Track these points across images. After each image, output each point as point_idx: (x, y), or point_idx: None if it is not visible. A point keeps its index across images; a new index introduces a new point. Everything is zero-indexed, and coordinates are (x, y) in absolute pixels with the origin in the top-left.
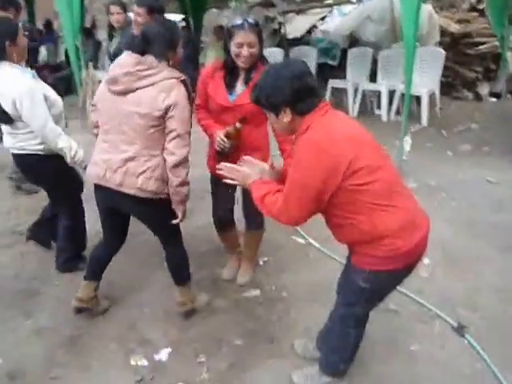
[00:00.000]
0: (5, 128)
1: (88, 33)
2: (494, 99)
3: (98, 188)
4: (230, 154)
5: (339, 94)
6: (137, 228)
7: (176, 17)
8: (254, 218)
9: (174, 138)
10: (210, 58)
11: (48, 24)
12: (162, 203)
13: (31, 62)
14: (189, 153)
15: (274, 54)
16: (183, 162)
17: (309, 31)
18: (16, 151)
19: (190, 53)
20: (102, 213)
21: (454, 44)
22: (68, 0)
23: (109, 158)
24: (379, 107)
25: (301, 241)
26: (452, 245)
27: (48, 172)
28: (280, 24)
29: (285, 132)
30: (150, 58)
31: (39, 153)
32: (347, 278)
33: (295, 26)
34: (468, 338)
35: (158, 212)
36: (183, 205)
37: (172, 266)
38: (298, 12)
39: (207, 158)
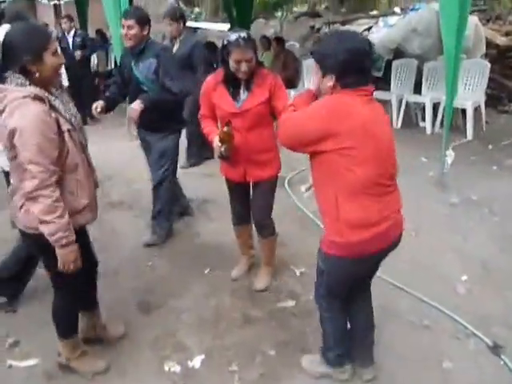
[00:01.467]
0: None
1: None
2: None
3: None
4: (229, 156)
5: (383, 105)
6: (180, 235)
7: (223, 27)
8: (265, 226)
9: (24, 170)
10: None
11: (100, 32)
12: (39, 239)
13: (85, 70)
14: (41, 188)
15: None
16: (33, 197)
17: None
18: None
19: None
20: None
21: (500, 56)
22: (117, 10)
23: (10, 189)
24: (423, 119)
25: None
26: (492, 261)
27: None
28: (325, 34)
29: (324, 94)
30: (9, 80)
31: None
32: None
33: None
34: (504, 358)
35: (46, 249)
36: (60, 248)
37: (52, 313)
38: (344, 23)
39: (220, 165)
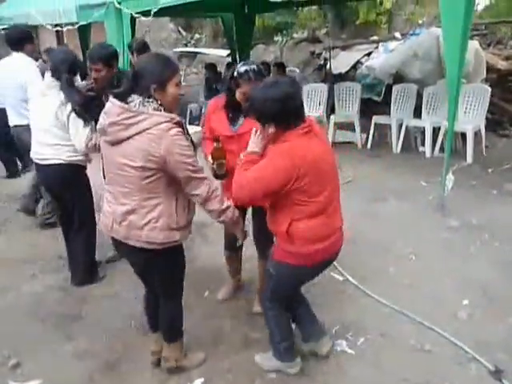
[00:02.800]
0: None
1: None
2: None
3: (112, 239)
4: (224, 173)
5: (383, 129)
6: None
7: (222, 52)
8: (266, 247)
9: (187, 183)
10: None
11: None
12: (169, 252)
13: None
14: (208, 184)
15: (319, 89)
16: (210, 196)
17: (354, 67)
18: (58, 161)
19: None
20: (130, 265)
21: (500, 81)
22: (119, 36)
23: (113, 210)
24: (423, 144)
25: (338, 277)
26: (493, 286)
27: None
28: (325, 60)
29: (266, 140)
30: (134, 104)
31: (79, 163)
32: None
33: (340, 62)
34: (505, 382)
35: (164, 262)
36: (236, 227)
37: (168, 321)
38: (344, 48)
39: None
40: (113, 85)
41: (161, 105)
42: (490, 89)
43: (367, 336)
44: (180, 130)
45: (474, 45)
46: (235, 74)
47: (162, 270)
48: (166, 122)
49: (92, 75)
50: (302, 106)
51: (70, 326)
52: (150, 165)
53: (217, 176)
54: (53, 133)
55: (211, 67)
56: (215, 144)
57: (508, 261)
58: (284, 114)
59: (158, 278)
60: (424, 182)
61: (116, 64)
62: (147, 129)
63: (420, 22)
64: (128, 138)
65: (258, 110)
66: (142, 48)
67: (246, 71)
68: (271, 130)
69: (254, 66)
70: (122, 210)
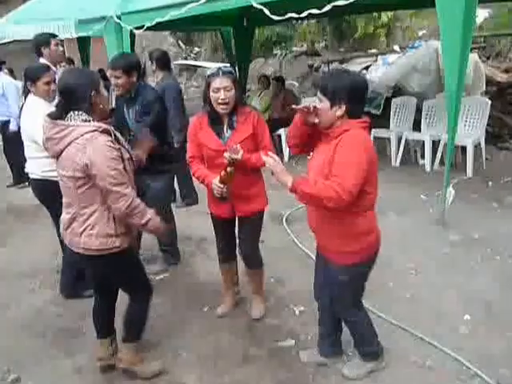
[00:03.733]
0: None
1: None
2: None
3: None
4: (228, 197)
5: (382, 143)
6: (179, 273)
7: (222, 65)
8: (254, 259)
9: (108, 195)
10: (256, 106)
11: (102, 72)
12: (116, 257)
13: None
14: (129, 201)
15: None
16: (130, 212)
17: None
18: (36, 176)
19: None
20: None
21: (500, 93)
22: (119, 50)
23: (63, 217)
24: (423, 157)
25: None
26: (495, 301)
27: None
28: (324, 73)
29: (325, 123)
30: (66, 118)
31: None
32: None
33: None
34: None
35: (110, 267)
36: (158, 232)
37: (130, 319)
38: (342, 61)
39: (207, 202)
40: (130, 94)
41: (98, 112)
42: (489, 101)
43: None
44: (108, 138)
45: (473, 57)
46: (206, 77)
47: (110, 274)
48: (91, 131)
49: (112, 81)
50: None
51: (70, 341)
52: (79, 174)
53: (222, 198)
54: (31, 145)
55: None
56: (229, 169)
57: (510, 275)
58: (362, 98)
59: (114, 282)
60: (424, 196)
61: (136, 75)
62: (75, 139)
63: (419, 34)
64: (62, 150)
65: (339, 84)
66: (163, 57)
67: (216, 69)
68: (339, 112)
69: (224, 66)
70: (67, 218)
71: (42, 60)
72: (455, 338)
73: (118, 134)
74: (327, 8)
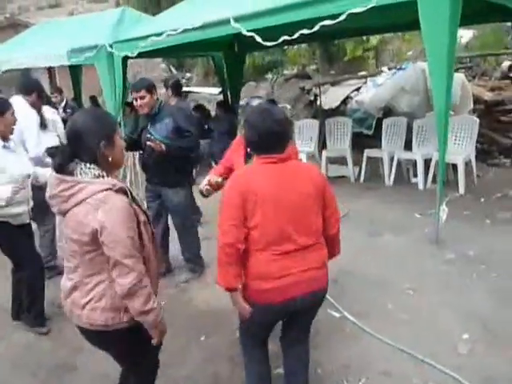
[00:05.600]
0: None
1: (133, 107)
2: None
3: None
4: (207, 196)
5: (375, 162)
6: (175, 301)
7: (214, 90)
8: None
9: (114, 266)
10: None
11: (93, 99)
12: (121, 332)
13: None
14: (137, 277)
15: (310, 125)
16: (134, 291)
17: (344, 102)
18: None
19: (227, 126)
20: None
21: (487, 111)
22: (110, 77)
23: (63, 283)
24: (415, 175)
25: (336, 314)
26: (493, 319)
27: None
28: (315, 95)
29: None
30: (75, 172)
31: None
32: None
33: (330, 98)
34: None
35: (117, 343)
36: (155, 328)
37: None
38: (333, 84)
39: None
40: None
41: (111, 164)
42: (477, 119)
43: (368, 376)
44: (124, 198)
45: (460, 77)
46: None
47: (113, 350)
48: (105, 189)
49: (136, 103)
50: (281, 136)
51: (64, 378)
52: (86, 238)
53: (202, 193)
54: None
55: (199, 108)
56: (220, 179)
57: (506, 292)
58: (255, 137)
59: (114, 358)
60: (418, 214)
61: (156, 93)
62: (85, 199)
63: (407, 55)
64: (69, 209)
65: (245, 129)
66: (176, 85)
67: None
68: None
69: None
70: (68, 286)
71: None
72: (455, 357)
73: (135, 194)
74: (316, 28)
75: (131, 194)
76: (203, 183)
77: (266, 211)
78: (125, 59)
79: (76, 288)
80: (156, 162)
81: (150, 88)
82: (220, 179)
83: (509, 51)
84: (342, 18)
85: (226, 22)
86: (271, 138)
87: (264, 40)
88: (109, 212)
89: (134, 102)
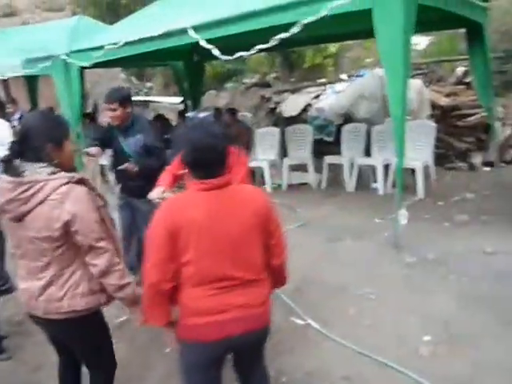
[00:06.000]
0: None
1: (91, 118)
2: (487, 168)
3: (32, 317)
4: None
5: (336, 169)
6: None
7: (175, 100)
8: None
9: (89, 251)
10: None
11: (50, 110)
12: (90, 319)
13: None
14: (110, 257)
15: (270, 133)
16: (110, 269)
17: (304, 109)
18: None
19: None
20: (51, 338)
21: (444, 116)
22: (67, 88)
23: (28, 287)
24: (376, 181)
25: (299, 322)
26: (454, 320)
27: None
28: (276, 103)
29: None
30: (28, 177)
31: None
32: None
33: (291, 105)
34: None
35: (86, 331)
36: (134, 306)
37: None
38: (293, 91)
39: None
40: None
41: (56, 165)
42: (435, 125)
43: (331, 381)
44: (85, 188)
45: (417, 83)
46: None
47: (84, 339)
48: (65, 183)
49: (108, 114)
50: (217, 154)
51: None
52: (57, 233)
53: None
54: None
55: (159, 118)
56: (176, 189)
57: (465, 293)
58: (189, 155)
59: (80, 348)
60: (379, 219)
61: (130, 106)
62: (47, 196)
63: (366, 62)
64: (30, 210)
65: (178, 144)
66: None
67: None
68: (186, 170)
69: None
70: (38, 285)
71: None
72: (416, 360)
73: (91, 182)
74: (274, 43)
75: (89, 183)
76: (153, 195)
77: (201, 245)
78: (81, 69)
79: (51, 283)
80: (127, 175)
81: (124, 101)
82: (169, 193)
83: (463, 57)
84: (295, 29)
85: (184, 31)
86: (206, 157)
87: (222, 51)
88: (76, 202)
89: (106, 113)
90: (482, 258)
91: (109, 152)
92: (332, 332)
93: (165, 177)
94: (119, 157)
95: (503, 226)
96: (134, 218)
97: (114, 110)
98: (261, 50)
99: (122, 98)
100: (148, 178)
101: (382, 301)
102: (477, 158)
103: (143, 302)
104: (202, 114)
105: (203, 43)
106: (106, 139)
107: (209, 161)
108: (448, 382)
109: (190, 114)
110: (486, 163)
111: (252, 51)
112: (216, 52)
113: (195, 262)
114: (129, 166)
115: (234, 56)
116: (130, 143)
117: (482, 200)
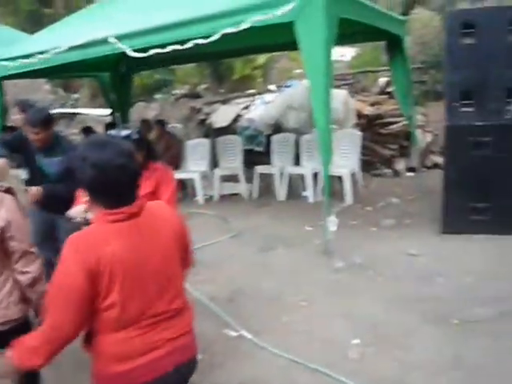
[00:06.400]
0: None
1: (13, 130)
2: (410, 174)
3: None
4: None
5: (267, 179)
6: None
7: (102, 111)
8: None
9: (22, 257)
10: None
11: None
12: (23, 327)
13: None
14: (40, 263)
15: (201, 144)
16: (41, 276)
17: (234, 120)
18: None
19: None
20: None
21: (369, 125)
22: None
23: None
24: (305, 189)
25: (232, 333)
26: (382, 322)
27: None
28: (206, 114)
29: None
30: None
31: None
32: None
33: (221, 116)
34: None
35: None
36: None
37: None
38: (223, 102)
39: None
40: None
41: None
42: (360, 133)
43: None
44: (13, 197)
45: (342, 94)
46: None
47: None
48: None
49: (31, 137)
50: (130, 177)
51: None
52: None
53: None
54: None
55: (87, 130)
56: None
57: (393, 295)
58: (97, 183)
59: None
60: (309, 227)
61: (52, 127)
62: None
63: (294, 73)
64: None
65: (74, 168)
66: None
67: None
68: (87, 199)
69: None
70: None
71: None
72: (347, 363)
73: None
74: (189, 45)
75: (14, 192)
76: (73, 213)
77: (127, 285)
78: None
79: None
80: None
81: (46, 123)
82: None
83: (384, 68)
84: (214, 37)
85: (104, 41)
86: (118, 181)
87: (148, 61)
88: (9, 209)
89: (29, 135)
90: (407, 259)
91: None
92: (265, 342)
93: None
94: (35, 173)
95: (425, 229)
96: (49, 234)
97: (37, 133)
98: (188, 60)
99: (45, 121)
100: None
101: (313, 307)
102: (400, 164)
103: (35, 339)
104: (124, 131)
105: (119, 45)
106: (15, 143)
107: (121, 185)
108: (377, 382)
109: (111, 132)
110: (409, 169)
111: (167, 49)
112: (131, 53)
113: (120, 304)
114: (33, 192)
115: (148, 53)
116: (51, 163)
117: (405, 204)
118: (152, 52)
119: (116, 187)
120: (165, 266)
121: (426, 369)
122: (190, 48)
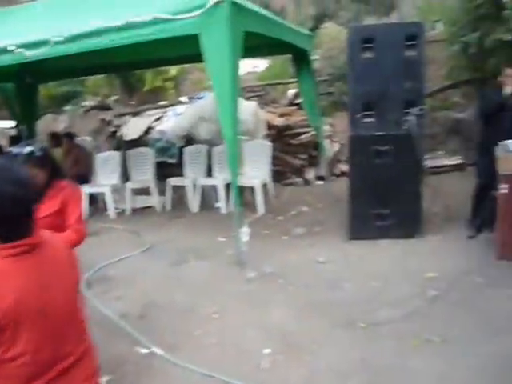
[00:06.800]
0: None
1: None
2: (320, 182)
3: None
4: None
5: (180, 190)
6: None
7: (7, 124)
8: None
9: None
10: None
11: None
12: None
13: None
14: None
15: (111, 157)
16: None
17: (146, 132)
18: None
19: None
20: None
21: (279, 136)
22: None
23: None
24: (218, 200)
25: (143, 351)
26: (292, 330)
27: None
28: (116, 127)
29: None
30: None
31: None
32: None
33: (132, 128)
34: None
35: None
36: None
37: None
38: (134, 114)
39: None
40: None
41: None
42: (271, 144)
43: None
44: None
45: (252, 105)
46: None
47: None
48: None
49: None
50: (26, 212)
51: None
52: None
53: None
54: None
55: None
56: None
57: (303, 302)
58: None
59: None
60: (222, 238)
61: None
62: None
63: (206, 85)
64: None
65: None
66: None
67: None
68: None
69: (27, 150)
70: None
71: None
72: (258, 373)
73: None
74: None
75: None
76: None
77: (35, 331)
78: None
79: None
80: None
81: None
82: None
83: (293, 80)
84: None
85: (4, 50)
86: (11, 212)
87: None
88: None
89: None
90: (315, 267)
91: None
92: (178, 357)
93: None
94: None
95: (333, 236)
96: None
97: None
98: (96, 72)
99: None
100: None
101: (225, 318)
102: (310, 174)
103: None
104: (27, 148)
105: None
106: None
107: (15, 216)
108: None
109: (13, 149)
110: (319, 177)
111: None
112: (17, 50)
113: (29, 354)
114: None
115: (38, 53)
116: None
117: (316, 212)
118: (40, 51)
119: (8, 220)
120: (70, 308)
121: (334, 373)
122: (100, 58)
